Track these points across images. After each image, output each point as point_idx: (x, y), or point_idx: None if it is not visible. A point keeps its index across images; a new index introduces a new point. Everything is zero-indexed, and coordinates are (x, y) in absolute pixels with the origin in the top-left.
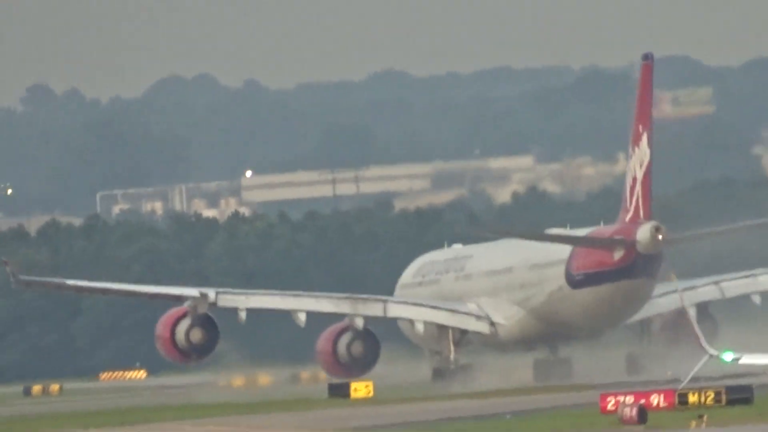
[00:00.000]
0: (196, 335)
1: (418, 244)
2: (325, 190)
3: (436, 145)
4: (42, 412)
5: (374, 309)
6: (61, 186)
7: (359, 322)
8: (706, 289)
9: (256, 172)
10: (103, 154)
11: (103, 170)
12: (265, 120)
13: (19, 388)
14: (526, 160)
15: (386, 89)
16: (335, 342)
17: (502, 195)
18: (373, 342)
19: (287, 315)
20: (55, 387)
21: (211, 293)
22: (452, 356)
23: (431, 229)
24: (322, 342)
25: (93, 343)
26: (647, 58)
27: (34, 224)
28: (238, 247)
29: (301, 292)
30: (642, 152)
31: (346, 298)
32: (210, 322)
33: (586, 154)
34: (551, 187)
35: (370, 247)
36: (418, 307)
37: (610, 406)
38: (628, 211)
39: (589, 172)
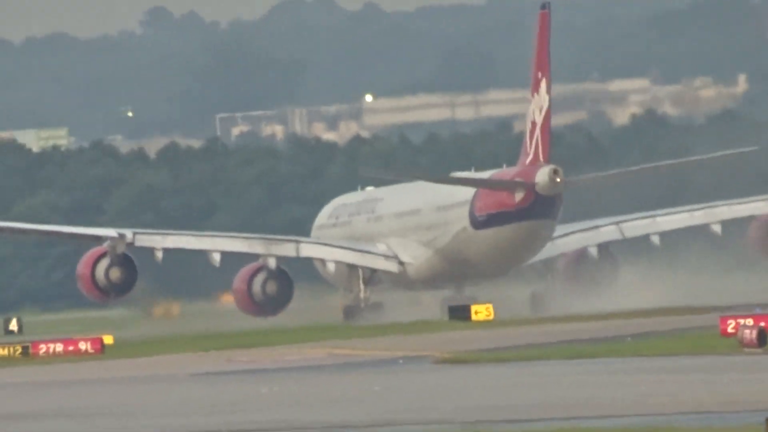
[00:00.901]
0: (115, 274)
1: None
2: (445, 114)
3: (554, 67)
4: (162, 335)
5: (287, 249)
6: (180, 108)
7: (272, 262)
8: (607, 230)
9: (375, 95)
10: (223, 76)
11: (222, 93)
12: (384, 43)
13: (139, 311)
14: (644, 82)
15: (506, 12)
16: (250, 281)
17: (621, 117)
18: (287, 281)
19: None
20: (175, 308)
21: (128, 233)
22: (362, 294)
23: (551, 151)
24: (238, 281)
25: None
26: (544, 6)
27: (153, 147)
28: (358, 170)
29: (216, 233)
30: (541, 98)
31: (260, 238)
32: (128, 261)
33: (705, 75)
34: (670, 109)
35: (489, 169)
36: (329, 247)
37: (730, 329)
38: (528, 154)
39: (709, 94)
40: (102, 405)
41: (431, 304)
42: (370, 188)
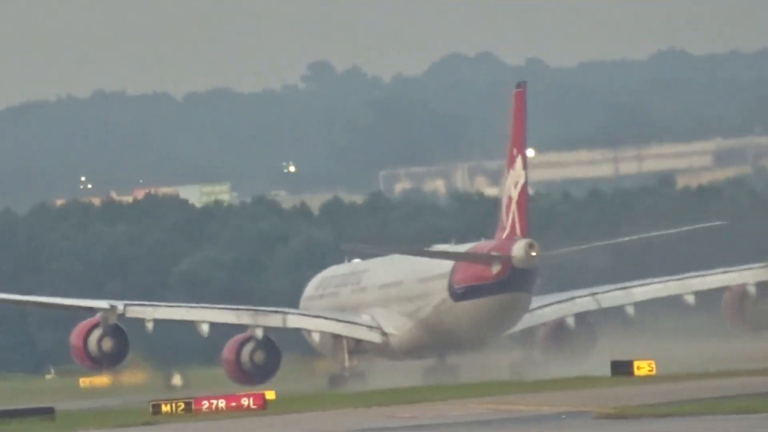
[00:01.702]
0: (107, 344)
1: (699, 221)
2: (607, 169)
3: (717, 122)
4: (317, 393)
5: (274, 320)
6: (343, 163)
7: (259, 333)
8: (583, 300)
9: (538, 150)
10: (385, 131)
11: (385, 148)
12: (546, 98)
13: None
14: None
15: (667, 67)
16: (238, 351)
17: None
18: (274, 351)
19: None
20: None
21: (119, 305)
22: (346, 364)
23: (713, 205)
24: (227, 351)
25: None
26: (520, 86)
27: (316, 202)
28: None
29: (205, 305)
30: (517, 174)
31: (248, 309)
32: (120, 332)
33: None
34: None
35: (652, 224)
36: (314, 318)
37: None
38: (504, 228)
39: None
40: None
41: (414, 372)
42: (356, 260)
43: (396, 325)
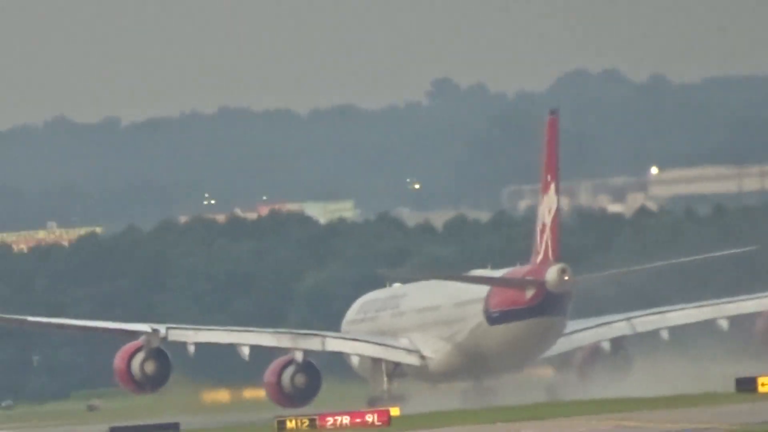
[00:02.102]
0: (150, 367)
1: None
2: (732, 186)
3: None
4: (449, 408)
5: (313, 343)
6: (467, 180)
7: (299, 356)
8: (619, 325)
9: (662, 167)
10: (509, 148)
11: (508, 164)
12: (670, 114)
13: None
14: None
15: None
16: (280, 374)
17: None
18: (315, 373)
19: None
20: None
21: (161, 329)
22: (385, 386)
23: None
24: (268, 374)
25: None
26: (553, 113)
27: (440, 219)
28: (644, 242)
29: (244, 328)
30: (550, 200)
31: (287, 333)
32: (162, 355)
33: None
34: None
35: None
36: (353, 341)
37: None
38: (538, 253)
39: None
40: None
41: (450, 394)
42: (396, 284)
43: (434, 349)
